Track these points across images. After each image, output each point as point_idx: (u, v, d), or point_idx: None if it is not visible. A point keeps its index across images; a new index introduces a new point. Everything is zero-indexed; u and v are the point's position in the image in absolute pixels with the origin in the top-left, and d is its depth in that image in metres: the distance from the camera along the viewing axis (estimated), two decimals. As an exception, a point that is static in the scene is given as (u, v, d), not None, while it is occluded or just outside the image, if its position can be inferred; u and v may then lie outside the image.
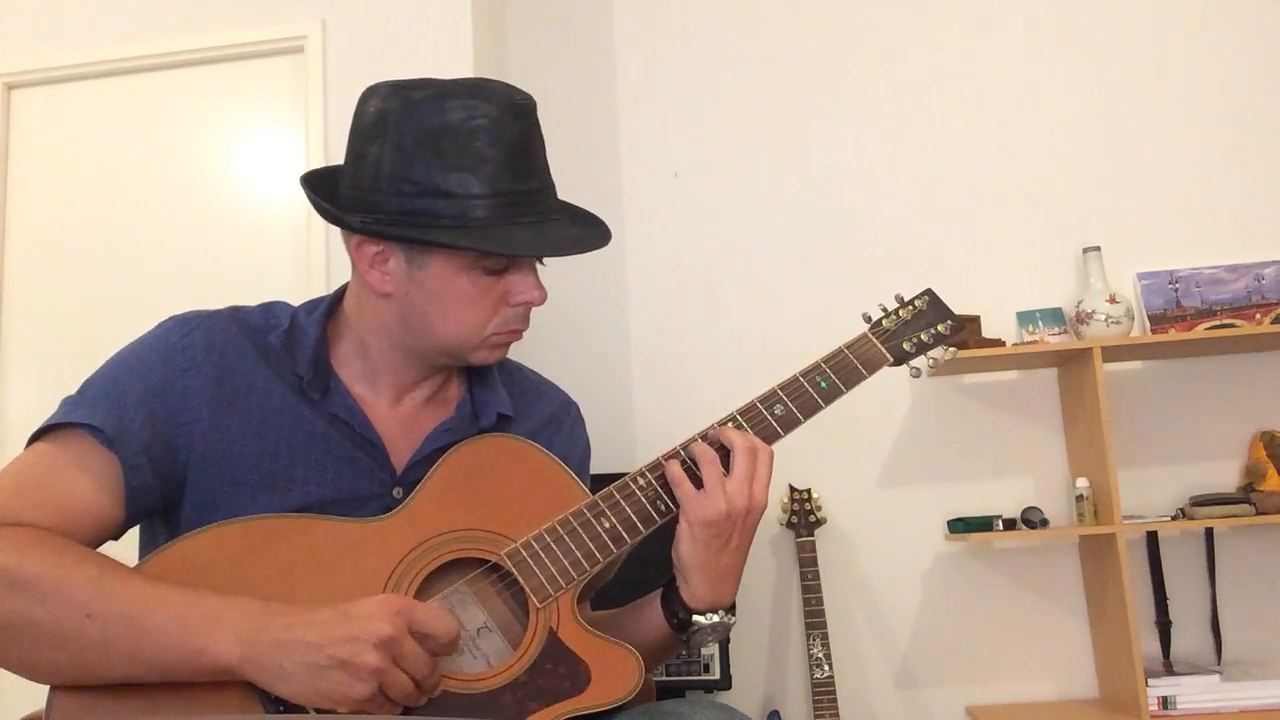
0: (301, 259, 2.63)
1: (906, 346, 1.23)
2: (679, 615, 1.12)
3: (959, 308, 2.71)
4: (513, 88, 1.09)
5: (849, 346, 1.20)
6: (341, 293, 1.17)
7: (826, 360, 1.18)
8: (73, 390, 1.07)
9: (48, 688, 0.94)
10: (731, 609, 1.13)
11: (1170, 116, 2.82)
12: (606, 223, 1.16)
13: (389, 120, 1.05)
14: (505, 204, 1.04)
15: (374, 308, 1.11)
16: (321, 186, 1.12)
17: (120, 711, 0.92)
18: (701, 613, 1.11)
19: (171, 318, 1.12)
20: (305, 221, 2.63)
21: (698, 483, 1.09)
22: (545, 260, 1.13)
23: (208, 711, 0.93)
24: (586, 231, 1.13)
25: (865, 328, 1.24)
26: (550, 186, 1.11)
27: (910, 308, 1.26)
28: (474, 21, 2.67)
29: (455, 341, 1.09)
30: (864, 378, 1.19)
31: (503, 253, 1.05)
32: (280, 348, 1.10)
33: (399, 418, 1.14)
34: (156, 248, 2.73)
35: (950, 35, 2.94)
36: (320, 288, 2.55)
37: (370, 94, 1.09)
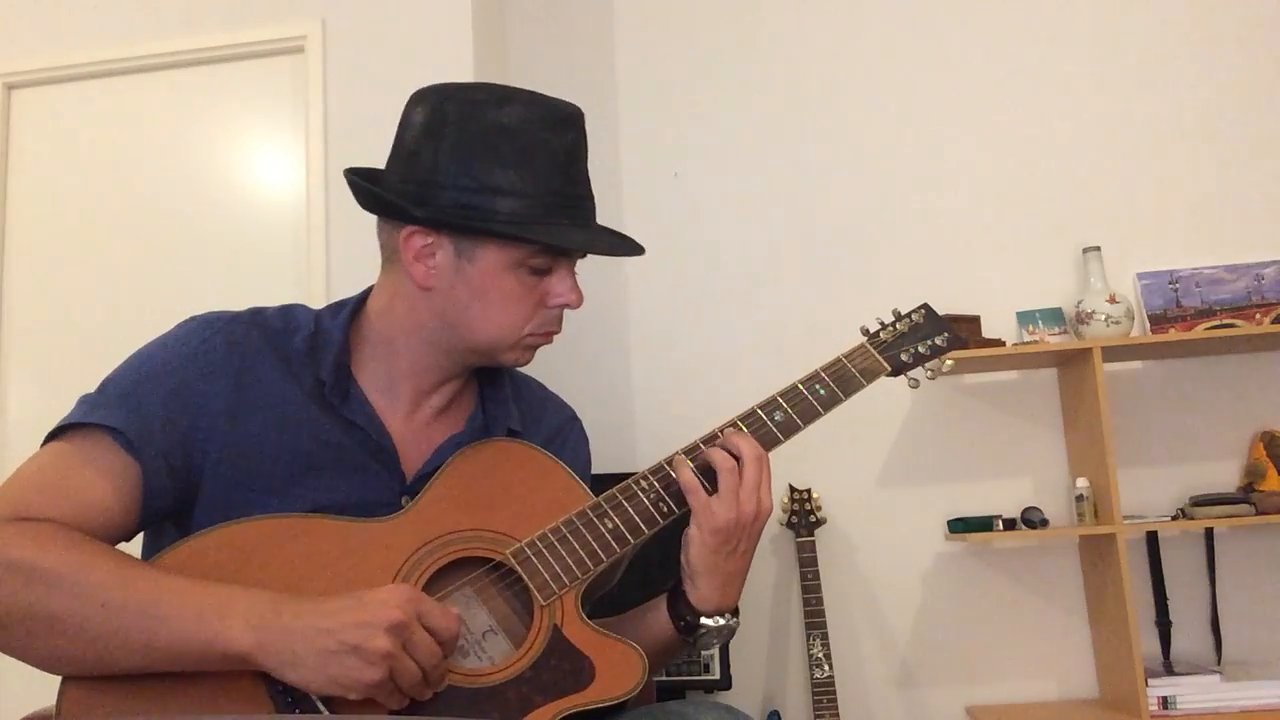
0: (301, 259, 2.63)
1: (904, 357, 1.25)
2: (686, 619, 1.13)
3: (959, 308, 2.73)
4: (565, 101, 1.12)
5: (847, 357, 1.22)
6: (364, 297, 1.18)
7: (825, 369, 1.20)
8: (73, 388, 1.07)
9: (51, 686, 0.94)
10: (736, 612, 1.15)
11: (1170, 116, 2.82)
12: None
13: (448, 119, 1.07)
14: (557, 205, 1.08)
15: (410, 304, 1.12)
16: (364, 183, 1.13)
17: (129, 703, 0.93)
18: (709, 616, 1.13)
19: (193, 318, 1.12)
20: (305, 221, 2.63)
21: (708, 490, 1.10)
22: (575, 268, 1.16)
23: (215, 702, 0.93)
24: (625, 240, 1.16)
25: (863, 339, 1.26)
26: (593, 198, 1.14)
27: (907, 320, 1.28)
28: (474, 21, 2.67)
29: (492, 339, 1.11)
30: (862, 386, 1.21)
31: (559, 244, 1.08)
32: (305, 351, 1.11)
33: (412, 429, 1.15)
34: (156, 248, 2.73)
35: (951, 35, 2.95)
36: (320, 287, 2.55)
37: (420, 97, 1.11)
